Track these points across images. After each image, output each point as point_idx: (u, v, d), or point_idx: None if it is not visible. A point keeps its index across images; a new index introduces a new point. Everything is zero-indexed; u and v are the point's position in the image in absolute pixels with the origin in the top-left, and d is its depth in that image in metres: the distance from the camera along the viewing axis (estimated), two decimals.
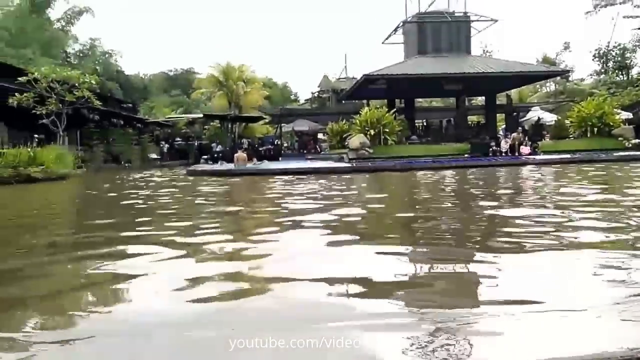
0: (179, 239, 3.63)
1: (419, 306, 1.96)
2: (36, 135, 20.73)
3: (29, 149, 15.31)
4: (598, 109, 20.26)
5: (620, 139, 19.65)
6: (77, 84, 21.07)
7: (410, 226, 4.05)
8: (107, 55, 44.25)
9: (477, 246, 3.13)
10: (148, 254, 3.03)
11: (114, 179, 15.82)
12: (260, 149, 27.97)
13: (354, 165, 16.16)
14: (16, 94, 19.31)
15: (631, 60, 40.19)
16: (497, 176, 11.09)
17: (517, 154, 18.69)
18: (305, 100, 48.51)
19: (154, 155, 34.35)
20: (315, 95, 40.80)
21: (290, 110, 37.68)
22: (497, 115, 26.97)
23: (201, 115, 36.37)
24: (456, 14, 24.40)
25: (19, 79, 19.90)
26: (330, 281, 2.31)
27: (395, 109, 22.44)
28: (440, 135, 24.69)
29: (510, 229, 3.73)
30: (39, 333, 1.80)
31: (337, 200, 6.39)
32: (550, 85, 44.74)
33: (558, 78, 39.56)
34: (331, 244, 3.26)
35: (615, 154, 16.87)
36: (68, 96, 20.53)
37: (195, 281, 2.37)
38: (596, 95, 24.78)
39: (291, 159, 24.98)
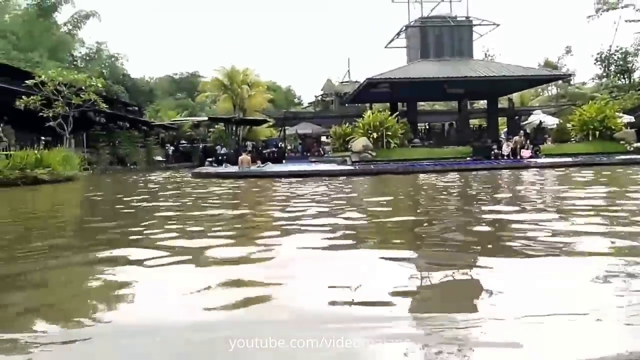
0: (182, 242, 3.60)
1: (420, 312, 1.98)
2: (43, 138, 21.01)
3: (36, 151, 15.52)
4: (600, 113, 20.34)
5: (622, 142, 19.72)
6: (83, 87, 21.31)
7: (413, 230, 4.05)
8: (113, 59, 44.68)
9: (480, 251, 3.10)
10: (149, 258, 3.02)
11: (120, 181, 16.03)
12: (264, 151, 28.15)
13: (357, 168, 16.32)
14: (23, 96, 19.57)
15: (633, 64, 40.22)
16: (499, 179, 11.22)
17: (518, 157, 18.81)
18: (309, 103, 48.68)
19: (159, 158, 34.62)
20: (319, 98, 41.00)
21: (294, 114, 37.89)
22: (499, 118, 27.07)
23: (206, 118, 36.63)
24: (458, 19, 24.57)
25: (27, 82, 20.15)
26: (332, 286, 2.31)
27: (397, 112, 22.60)
28: (443, 139, 24.80)
29: (511, 234, 3.70)
30: (38, 335, 1.80)
31: (340, 203, 6.46)
32: (552, 89, 44.81)
33: (560, 82, 39.67)
34: (333, 247, 3.26)
35: (617, 158, 16.96)
36: (75, 99, 20.77)
37: (197, 286, 2.37)
38: (598, 98, 24.84)
39: (295, 162, 25.15)
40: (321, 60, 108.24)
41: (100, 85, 22.37)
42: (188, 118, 43.38)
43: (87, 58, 42.69)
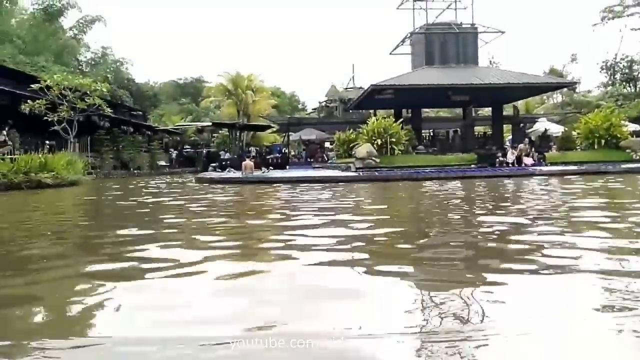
0: (180, 254, 3.52)
1: (422, 328, 1.93)
2: (47, 142, 21.09)
3: (40, 155, 15.56)
4: (605, 121, 20.23)
5: (628, 151, 19.58)
6: (88, 92, 21.39)
7: (415, 242, 3.94)
8: (118, 64, 44.93)
9: (483, 266, 3.03)
10: (148, 269, 3.00)
11: (123, 186, 16.00)
12: (268, 157, 28.18)
13: (361, 174, 16.25)
14: (29, 100, 19.64)
15: (639, 73, 40.10)
16: (503, 188, 11.13)
17: (523, 164, 18.71)
18: (313, 109, 48.71)
19: (162, 163, 34.66)
20: (323, 104, 41.00)
21: (298, 119, 37.89)
22: (504, 126, 26.99)
23: (210, 123, 36.73)
24: (463, 26, 24.56)
25: (32, 86, 20.25)
26: (332, 298, 2.30)
27: (402, 119, 22.55)
28: (447, 146, 24.72)
29: (514, 247, 3.61)
30: (42, 340, 1.81)
31: (342, 211, 6.41)
32: (557, 97, 44.74)
33: (565, 89, 39.58)
34: (333, 261, 3.16)
35: (622, 166, 16.82)
36: (79, 103, 20.84)
37: (197, 296, 2.36)
38: (603, 107, 24.74)
39: (298, 168, 25.12)
40: (326, 66, 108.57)
41: (105, 89, 22.46)
42: (192, 123, 43.51)
43: (93, 62, 42.97)
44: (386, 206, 7.54)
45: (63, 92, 20.50)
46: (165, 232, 4.96)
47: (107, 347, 1.76)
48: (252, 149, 31.56)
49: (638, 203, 6.86)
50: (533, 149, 19.97)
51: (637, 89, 39.18)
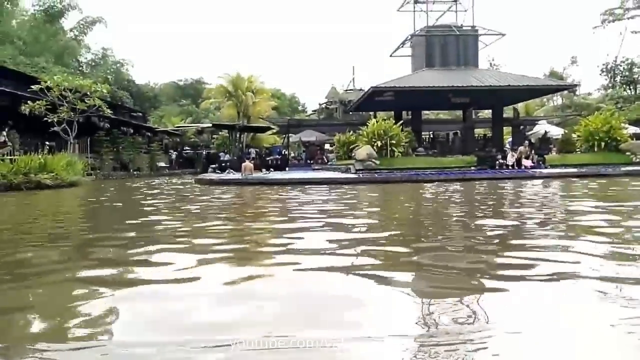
0: (177, 258, 3.47)
1: (420, 332, 1.93)
2: (47, 143, 21.06)
3: (40, 156, 15.55)
4: (605, 124, 20.23)
5: (627, 153, 19.58)
6: (88, 93, 21.36)
7: (414, 246, 3.91)
8: (118, 65, 44.93)
9: (482, 271, 3.00)
10: (140, 272, 3.01)
11: (123, 187, 16.00)
12: (268, 158, 28.14)
13: (361, 176, 16.24)
14: (29, 101, 19.63)
15: (639, 75, 40.13)
16: (502, 190, 11.12)
17: (522, 167, 18.71)
18: (313, 111, 48.71)
19: (162, 164, 34.65)
20: (323, 106, 41.00)
21: (298, 121, 37.88)
22: (504, 128, 27.01)
23: (210, 125, 36.70)
24: (464, 28, 24.59)
25: (32, 87, 20.24)
26: (331, 303, 2.31)
27: (402, 121, 22.56)
28: (447, 148, 24.73)
29: (513, 252, 3.59)
30: (39, 343, 1.81)
31: (341, 213, 6.41)
32: (558, 99, 44.75)
33: (565, 92, 39.60)
34: (332, 266, 3.13)
35: (622, 169, 16.80)
36: (79, 104, 20.82)
37: (195, 301, 2.37)
38: (603, 109, 24.74)
39: (298, 169, 25.10)
40: (326, 68, 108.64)
41: (105, 90, 22.43)
42: (192, 124, 43.49)
43: (93, 64, 42.96)
44: (386, 209, 7.54)
45: (63, 93, 20.48)
46: (164, 235, 4.94)
47: (105, 349, 1.76)
48: (252, 150, 31.52)
49: (637, 206, 6.85)
50: (533, 152, 19.98)
51: (637, 91, 39.22)
